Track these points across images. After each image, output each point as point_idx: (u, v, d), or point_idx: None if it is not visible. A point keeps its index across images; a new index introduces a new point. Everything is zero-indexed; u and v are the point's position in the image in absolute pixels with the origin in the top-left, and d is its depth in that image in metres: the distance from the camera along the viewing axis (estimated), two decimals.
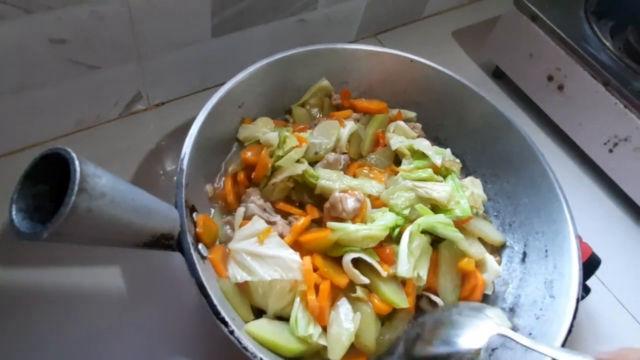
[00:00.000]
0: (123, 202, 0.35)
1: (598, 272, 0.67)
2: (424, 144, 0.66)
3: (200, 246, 0.48)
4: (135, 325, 0.58)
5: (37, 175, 0.34)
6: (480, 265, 0.61)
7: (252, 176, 0.60)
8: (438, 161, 0.64)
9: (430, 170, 0.63)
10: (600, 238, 0.73)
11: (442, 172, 0.65)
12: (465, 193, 0.62)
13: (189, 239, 0.45)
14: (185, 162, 0.50)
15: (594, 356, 0.37)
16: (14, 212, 0.32)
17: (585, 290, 0.65)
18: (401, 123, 0.70)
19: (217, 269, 0.51)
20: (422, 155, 0.66)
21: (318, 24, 0.85)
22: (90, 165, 0.33)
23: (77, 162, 0.31)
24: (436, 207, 0.60)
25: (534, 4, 0.86)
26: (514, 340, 0.47)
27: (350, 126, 0.66)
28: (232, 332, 0.41)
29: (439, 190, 0.60)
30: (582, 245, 0.65)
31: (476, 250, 0.61)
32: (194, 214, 0.50)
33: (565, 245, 0.57)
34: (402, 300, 0.53)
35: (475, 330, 0.50)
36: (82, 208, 0.31)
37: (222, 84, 0.59)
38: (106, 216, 0.34)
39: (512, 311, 0.58)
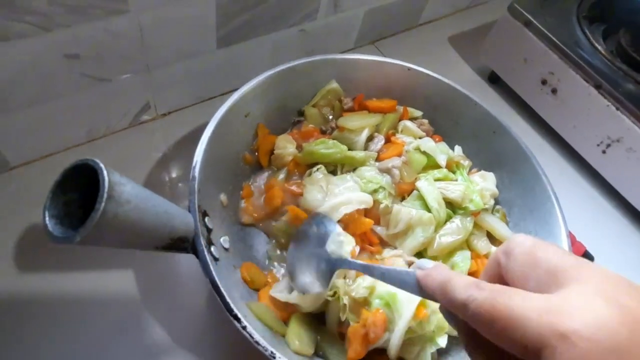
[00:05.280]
0: (145, 208, 0.38)
1: None
2: (429, 145, 0.68)
3: (212, 249, 0.51)
4: (147, 325, 0.60)
5: (67, 184, 0.37)
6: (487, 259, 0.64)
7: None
8: (442, 161, 0.67)
9: (444, 170, 0.67)
10: (594, 236, 0.75)
11: (452, 168, 0.69)
12: (475, 188, 0.66)
13: (202, 242, 0.48)
14: (197, 169, 0.52)
15: (416, 273, 0.35)
16: (47, 219, 0.35)
17: None
18: (408, 123, 0.73)
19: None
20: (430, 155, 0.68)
21: (318, 33, 0.88)
22: (116, 174, 0.36)
23: (105, 172, 0.34)
24: (452, 204, 0.64)
25: (527, 10, 0.89)
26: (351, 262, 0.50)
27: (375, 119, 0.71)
28: (244, 328, 0.44)
29: (453, 189, 0.64)
30: (575, 244, 0.68)
31: (482, 245, 0.64)
32: (206, 219, 0.53)
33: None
34: None
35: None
36: (110, 214, 0.34)
37: (227, 93, 0.62)
38: (131, 221, 0.37)
39: None
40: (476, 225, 0.65)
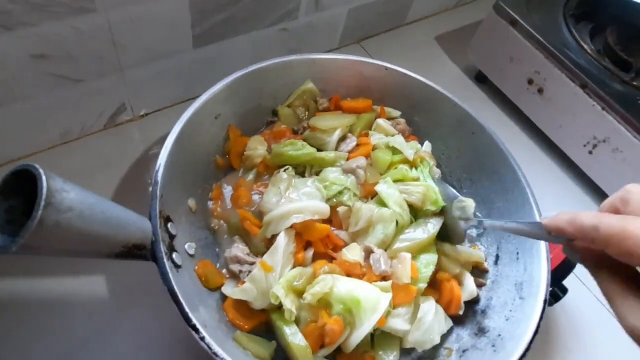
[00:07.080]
0: (92, 215, 0.37)
1: (577, 271, 0.68)
2: (398, 141, 0.67)
3: (174, 255, 0.50)
4: (120, 333, 0.59)
5: (9, 190, 0.35)
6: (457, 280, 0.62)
7: None
8: (410, 156, 0.66)
9: (405, 168, 0.64)
10: None
11: (416, 164, 0.67)
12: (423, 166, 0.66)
13: (162, 249, 0.46)
14: (160, 174, 0.51)
15: (542, 220, 0.41)
16: None
17: (562, 290, 0.66)
18: (381, 121, 0.71)
19: (235, 324, 0.54)
20: (399, 151, 0.67)
21: (300, 32, 0.86)
22: (58, 180, 0.34)
23: (44, 178, 0.32)
24: (412, 207, 0.62)
25: (513, 9, 0.87)
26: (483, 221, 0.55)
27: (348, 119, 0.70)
28: (202, 339, 0.43)
29: (413, 191, 0.61)
30: (557, 248, 0.66)
31: (448, 247, 0.62)
32: (169, 224, 0.51)
33: (535, 248, 0.58)
34: None
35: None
36: (50, 222, 0.33)
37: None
38: (75, 229, 0.35)
39: (483, 313, 0.59)
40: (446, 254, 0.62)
